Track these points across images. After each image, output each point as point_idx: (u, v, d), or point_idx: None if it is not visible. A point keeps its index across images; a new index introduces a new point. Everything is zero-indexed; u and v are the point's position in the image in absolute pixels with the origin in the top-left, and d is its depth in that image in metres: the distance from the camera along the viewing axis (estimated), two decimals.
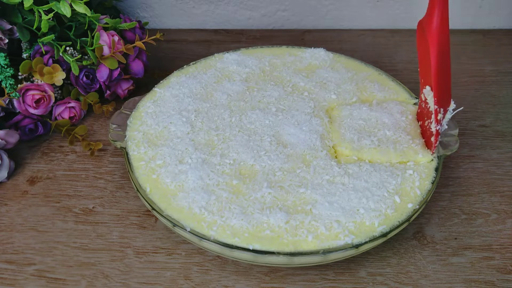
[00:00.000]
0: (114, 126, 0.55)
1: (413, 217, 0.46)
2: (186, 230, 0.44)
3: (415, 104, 0.58)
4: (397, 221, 0.45)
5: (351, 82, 0.60)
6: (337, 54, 0.65)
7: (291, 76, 0.61)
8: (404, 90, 0.59)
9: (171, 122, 0.55)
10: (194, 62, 0.64)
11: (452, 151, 0.51)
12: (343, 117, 0.56)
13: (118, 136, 0.54)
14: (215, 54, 0.65)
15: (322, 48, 0.65)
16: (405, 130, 0.53)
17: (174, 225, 0.45)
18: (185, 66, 0.64)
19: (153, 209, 0.46)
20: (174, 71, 0.63)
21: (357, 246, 0.43)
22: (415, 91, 0.70)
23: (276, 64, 0.64)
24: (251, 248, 0.42)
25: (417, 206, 0.46)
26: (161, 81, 0.61)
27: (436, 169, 0.49)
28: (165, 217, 0.45)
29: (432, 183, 0.48)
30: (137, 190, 0.48)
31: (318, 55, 0.65)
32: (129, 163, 0.51)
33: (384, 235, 0.44)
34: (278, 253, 0.42)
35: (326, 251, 0.42)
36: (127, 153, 0.52)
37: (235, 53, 0.65)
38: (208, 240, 0.43)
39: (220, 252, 0.44)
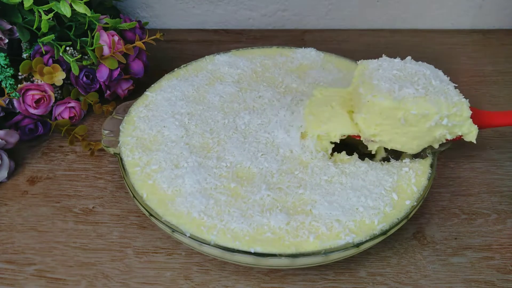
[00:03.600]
0: (106, 132, 0.54)
1: (412, 214, 0.46)
2: (185, 235, 0.44)
3: None
4: (396, 218, 0.45)
5: (343, 82, 0.60)
6: (327, 53, 0.65)
7: (283, 77, 0.61)
8: None
9: (164, 126, 0.54)
10: (185, 65, 0.64)
11: (446, 147, 0.51)
12: (372, 70, 0.49)
13: (110, 142, 0.53)
14: (206, 56, 0.65)
15: (312, 48, 0.65)
16: (455, 91, 0.47)
17: (173, 230, 0.44)
18: (176, 69, 0.63)
19: (151, 215, 0.46)
20: (165, 74, 0.62)
21: (358, 245, 0.43)
22: None
23: (268, 65, 0.64)
24: (252, 251, 0.42)
25: (415, 203, 0.46)
26: (152, 85, 0.60)
27: (431, 165, 0.49)
28: (163, 223, 0.45)
29: (428, 179, 0.48)
30: (134, 196, 0.47)
31: (309, 55, 0.65)
32: (124, 169, 0.50)
33: (384, 233, 0.44)
34: (280, 255, 0.42)
35: (328, 251, 0.42)
36: (121, 159, 0.51)
37: (226, 55, 0.65)
38: (209, 245, 0.43)
39: (221, 256, 0.44)
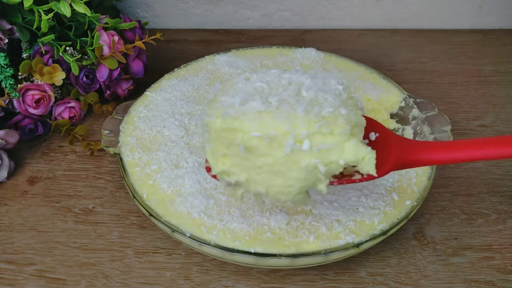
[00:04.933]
0: (106, 132, 0.54)
1: (412, 214, 0.46)
2: (185, 235, 0.44)
3: (403, 101, 0.57)
4: (396, 218, 0.45)
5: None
6: (327, 53, 0.65)
7: None
8: (395, 87, 0.59)
9: (164, 126, 0.54)
10: (185, 65, 0.64)
11: None
12: (233, 84, 0.36)
13: (110, 142, 0.53)
14: (206, 56, 0.65)
15: (312, 48, 0.65)
16: (343, 102, 0.33)
17: (173, 230, 0.44)
18: (176, 69, 0.63)
19: (151, 215, 0.46)
20: (165, 74, 0.62)
21: (358, 245, 0.43)
22: (414, 91, 0.70)
23: (268, 65, 0.64)
24: (252, 251, 0.42)
25: (415, 203, 0.46)
26: (152, 85, 0.61)
27: (431, 165, 0.49)
28: (163, 223, 0.45)
29: (428, 179, 0.48)
30: (134, 196, 0.48)
31: (309, 55, 0.65)
32: (124, 169, 0.50)
33: (384, 233, 0.44)
34: (280, 255, 0.42)
35: (328, 251, 0.42)
36: (121, 159, 0.51)
37: (226, 55, 0.65)
38: (209, 245, 0.43)
39: (221, 257, 0.44)
